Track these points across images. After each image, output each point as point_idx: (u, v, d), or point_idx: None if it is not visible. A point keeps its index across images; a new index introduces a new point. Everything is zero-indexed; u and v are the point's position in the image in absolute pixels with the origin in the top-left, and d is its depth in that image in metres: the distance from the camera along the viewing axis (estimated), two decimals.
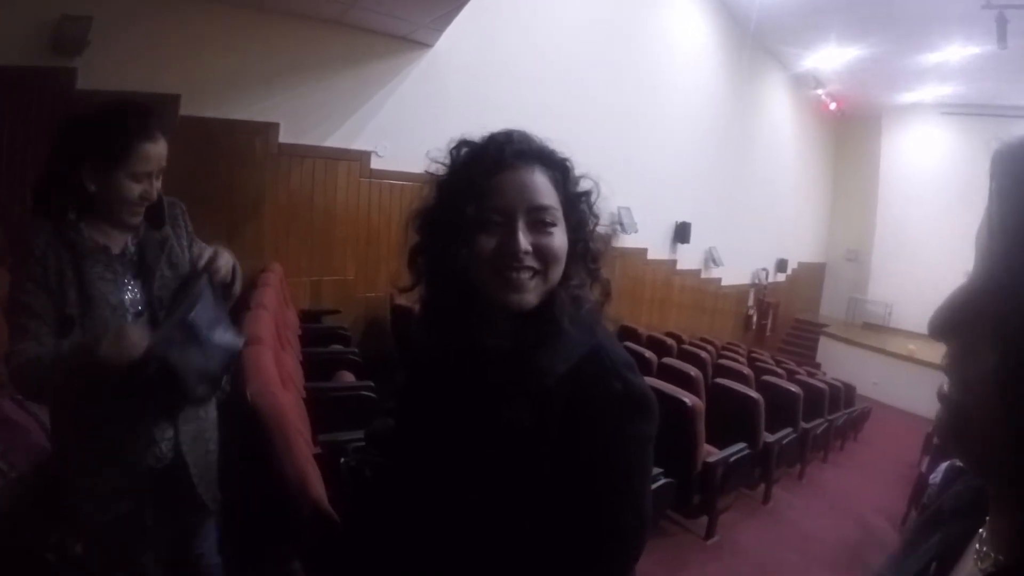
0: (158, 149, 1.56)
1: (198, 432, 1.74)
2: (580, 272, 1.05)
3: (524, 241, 0.97)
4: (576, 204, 1.06)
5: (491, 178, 1.00)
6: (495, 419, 0.97)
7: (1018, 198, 0.43)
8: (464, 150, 1.09)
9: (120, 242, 1.62)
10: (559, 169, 1.06)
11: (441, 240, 1.02)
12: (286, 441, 1.85)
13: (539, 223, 0.99)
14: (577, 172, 1.10)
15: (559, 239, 1.00)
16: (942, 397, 0.49)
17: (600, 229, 1.11)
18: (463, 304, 1.02)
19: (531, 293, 0.99)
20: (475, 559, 0.97)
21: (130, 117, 1.53)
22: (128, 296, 1.61)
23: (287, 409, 2.00)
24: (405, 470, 1.13)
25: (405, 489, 1.10)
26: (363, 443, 1.35)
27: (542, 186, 1.01)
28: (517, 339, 0.99)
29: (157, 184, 1.60)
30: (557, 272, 1.01)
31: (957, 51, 11.81)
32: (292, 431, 1.89)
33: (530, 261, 0.97)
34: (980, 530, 0.54)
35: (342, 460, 1.46)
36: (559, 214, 1.01)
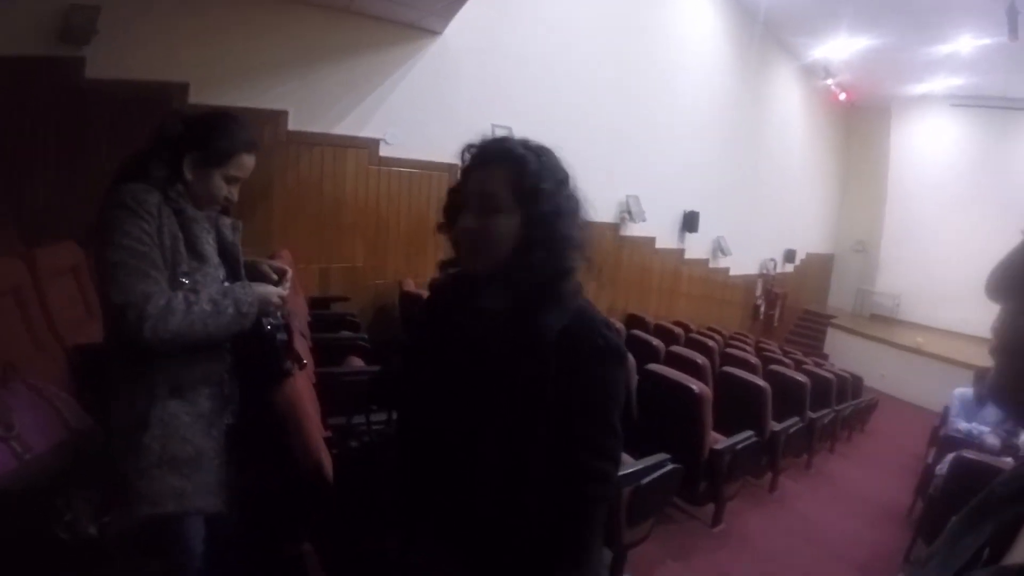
0: (252, 160, 1.78)
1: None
2: (540, 252, 1.24)
3: (469, 220, 1.26)
4: (533, 195, 1.25)
5: (470, 172, 1.30)
6: (505, 368, 1.22)
7: None
8: (468, 148, 1.34)
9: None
10: (516, 163, 1.26)
11: (448, 220, 1.35)
12: (300, 425, 1.87)
13: (484, 208, 1.25)
14: (535, 168, 1.27)
15: (499, 223, 1.24)
16: (994, 352, 0.51)
17: (578, 215, 1.32)
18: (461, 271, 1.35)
19: (474, 263, 1.28)
20: (492, 485, 1.22)
21: (239, 129, 1.75)
22: (220, 263, 1.80)
23: (302, 393, 2.02)
24: (416, 415, 1.40)
25: (418, 430, 1.37)
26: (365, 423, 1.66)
27: (493, 178, 1.25)
28: (505, 304, 1.24)
29: (235, 193, 1.80)
30: (497, 248, 1.25)
31: (968, 42, 11.73)
32: (305, 415, 1.91)
33: (469, 237, 1.26)
34: None
35: (351, 444, 1.52)
36: (504, 202, 1.24)
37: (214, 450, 1.72)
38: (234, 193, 1.77)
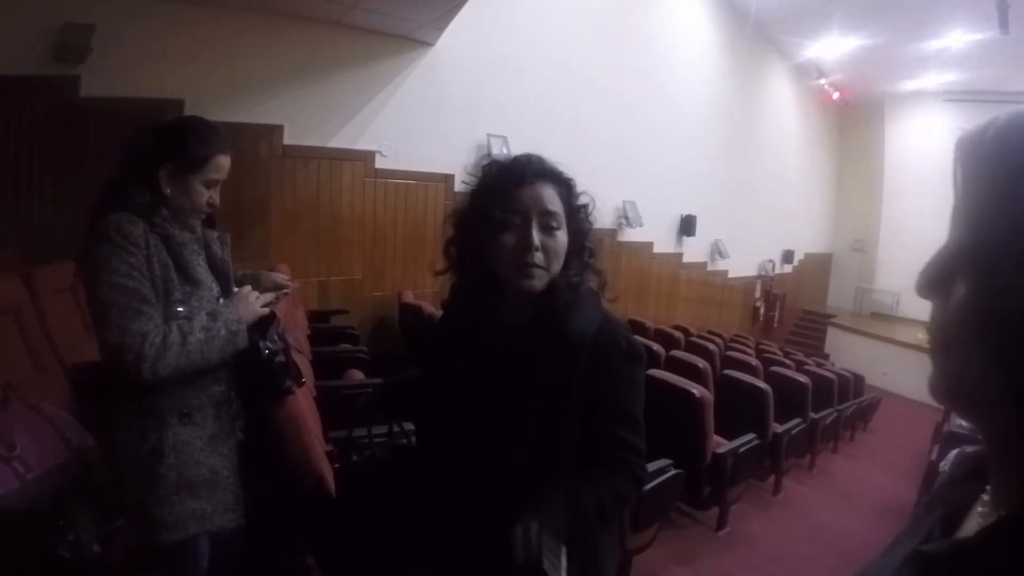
0: (227, 161, 1.75)
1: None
2: (577, 264, 1.37)
3: (536, 238, 1.27)
4: (576, 213, 1.37)
5: (515, 189, 1.30)
6: (536, 373, 1.27)
7: (979, 177, 0.50)
8: (494, 167, 1.38)
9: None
10: (564, 186, 1.36)
11: (472, 235, 1.35)
12: (301, 440, 1.87)
13: (547, 226, 1.30)
14: (578, 190, 1.39)
15: (561, 239, 1.31)
16: (931, 353, 0.52)
17: (595, 231, 1.42)
18: (486, 287, 1.37)
19: (538, 280, 1.29)
20: (524, 489, 1.23)
21: (210, 132, 1.72)
22: (213, 282, 1.79)
23: (302, 409, 2.02)
24: (440, 424, 1.43)
25: (444, 440, 1.40)
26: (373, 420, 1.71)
27: (551, 197, 1.31)
28: (531, 316, 1.33)
29: (217, 195, 1.76)
30: (558, 265, 1.32)
31: (959, 37, 11.75)
32: (306, 430, 1.91)
33: (539, 255, 1.28)
34: (983, 495, 0.56)
35: (353, 457, 1.53)
36: (563, 220, 1.32)
37: (227, 468, 1.73)
38: (215, 196, 1.75)
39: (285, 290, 1.97)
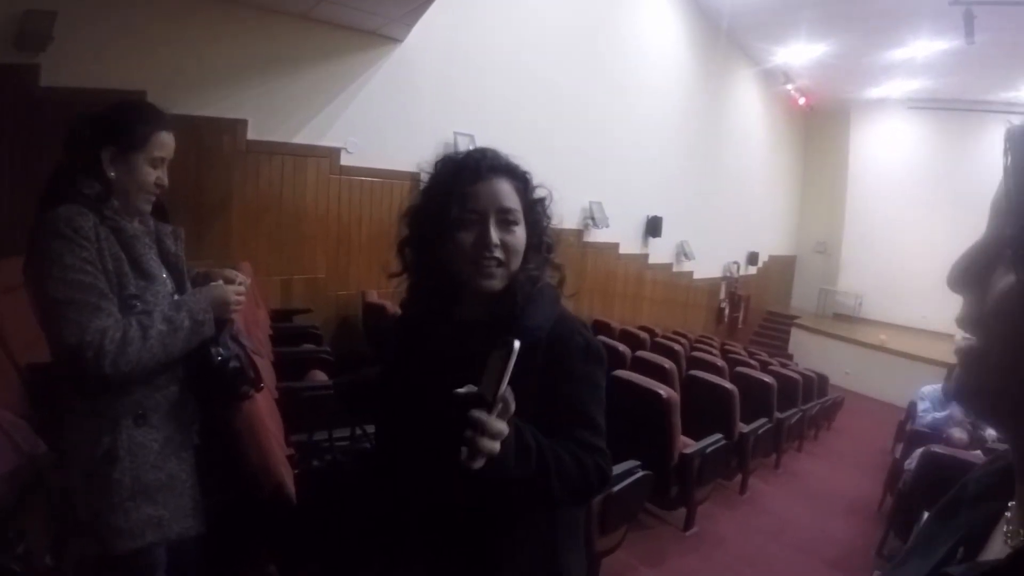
0: (171, 139, 1.70)
1: None
2: (536, 259, 1.34)
3: (495, 235, 1.25)
4: (534, 207, 1.34)
5: (470, 186, 1.26)
6: None
7: None
8: (448, 163, 1.33)
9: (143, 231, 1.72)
10: (521, 180, 1.33)
11: (427, 234, 1.30)
12: (259, 445, 1.81)
13: (505, 222, 1.27)
14: (535, 183, 1.37)
15: (520, 235, 1.29)
16: (959, 351, 0.50)
17: (553, 225, 1.40)
18: (444, 286, 1.32)
19: (497, 279, 1.27)
20: (482, 489, 1.16)
21: (149, 110, 1.70)
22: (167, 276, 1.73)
23: (261, 412, 1.96)
24: (399, 423, 1.39)
25: (403, 438, 1.36)
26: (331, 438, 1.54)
27: (508, 193, 1.28)
28: (489, 313, 1.29)
29: (165, 175, 1.70)
30: (517, 261, 1.29)
31: (925, 46, 11.98)
32: (265, 435, 1.85)
33: (498, 252, 1.25)
34: (1007, 512, 0.54)
35: (314, 463, 1.48)
36: (520, 215, 1.29)
37: (185, 472, 1.67)
38: (164, 176, 1.69)
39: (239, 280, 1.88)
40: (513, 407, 1.04)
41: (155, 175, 1.66)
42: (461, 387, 1.08)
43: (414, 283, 1.39)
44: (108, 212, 1.57)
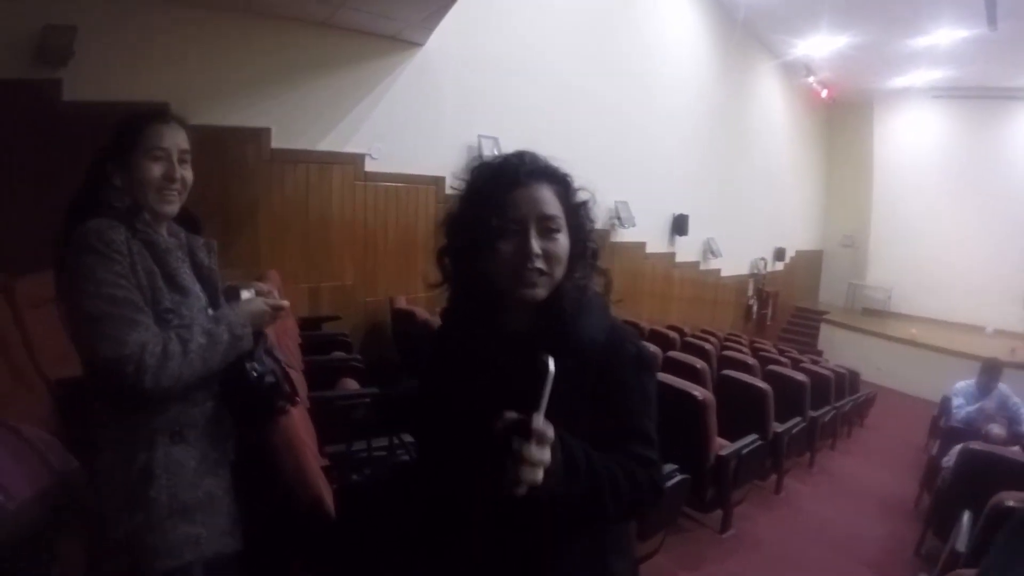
0: (170, 129, 1.63)
1: None
2: (582, 266, 1.27)
3: (536, 245, 1.17)
4: (576, 212, 1.27)
5: (508, 193, 1.19)
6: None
7: None
8: (485, 169, 1.27)
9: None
10: (562, 184, 1.26)
11: (466, 244, 1.24)
12: (297, 459, 1.79)
13: (547, 230, 1.20)
14: (576, 184, 1.30)
15: (563, 243, 1.22)
16: None
17: (596, 229, 1.32)
18: (485, 296, 1.26)
19: (541, 288, 1.20)
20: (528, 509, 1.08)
21: (141, 109, 1.64)
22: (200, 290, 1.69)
23: (296, 425, 1.93)
24: (440, 437, 1.33)
25: (443, 459, 1.30)
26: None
27: (548, 199, 1.21)
28: (534, 323, 1.24)
29: (185, 172, 1.65)
30: (560, 269, 1.22)
31: (947, 34, 11.82)
32: (301, 448, 1.83)
33: (540, 263, 1.17)
34: None
35: (353, 477, 1.44)
36: (563, 221, 1.22)
37: (223, 489, 1.64)
38: (173, 169, 1.62)
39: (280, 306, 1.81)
40: (551, 436, 0.99)
41: (159, 169, 1.60)
42: (501, 398, 1.04)
43: (454, 293, 1.34)
44: (140, 225, 1.54)
